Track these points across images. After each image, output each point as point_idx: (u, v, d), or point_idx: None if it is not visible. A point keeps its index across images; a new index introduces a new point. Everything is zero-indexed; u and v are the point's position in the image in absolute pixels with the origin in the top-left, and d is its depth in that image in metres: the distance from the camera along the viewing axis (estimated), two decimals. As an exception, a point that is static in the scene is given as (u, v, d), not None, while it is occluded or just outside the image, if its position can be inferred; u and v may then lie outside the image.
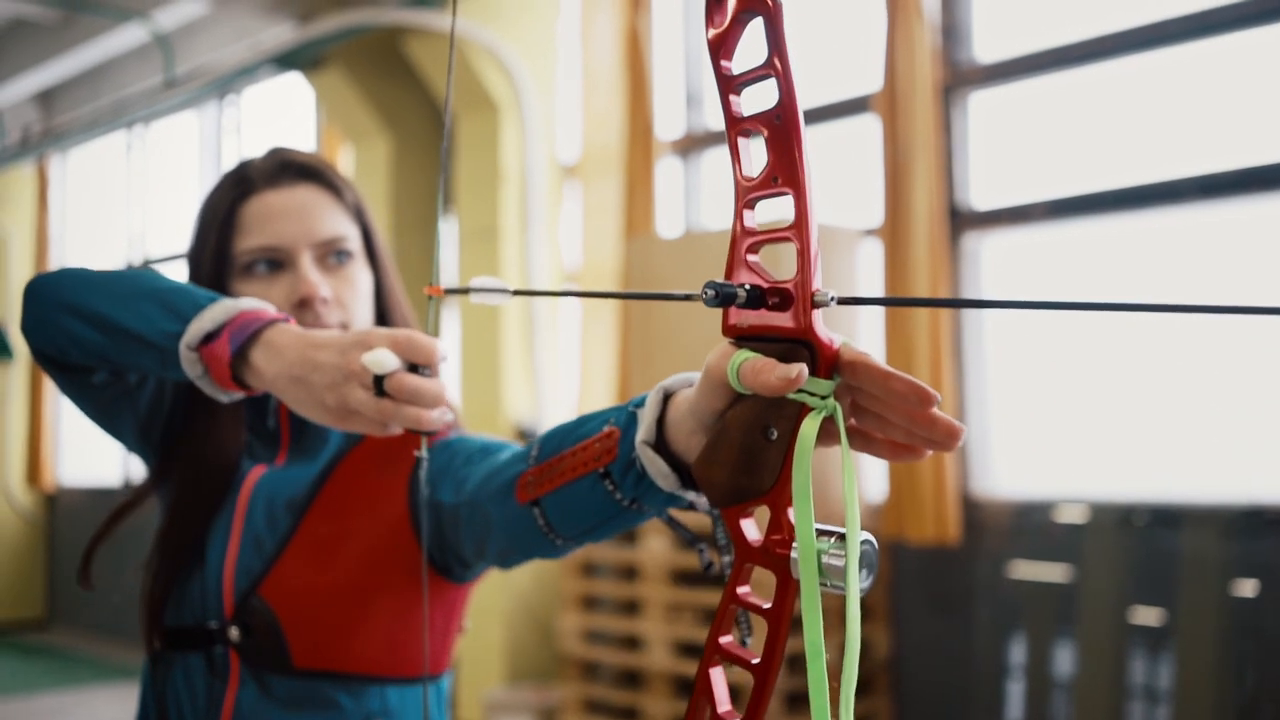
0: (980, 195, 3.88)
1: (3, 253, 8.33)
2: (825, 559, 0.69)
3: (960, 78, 3.88)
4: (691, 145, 4.67)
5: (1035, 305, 0.67)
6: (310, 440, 1.32)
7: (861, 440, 0.74)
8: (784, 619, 0.73)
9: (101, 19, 6.69)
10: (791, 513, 0.72)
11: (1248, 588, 3.09)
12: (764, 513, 0.75)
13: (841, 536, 0.69)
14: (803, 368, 0.70)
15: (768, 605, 0.73)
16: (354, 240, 1.35)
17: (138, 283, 1.12)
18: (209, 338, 1.05)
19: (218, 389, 1.08)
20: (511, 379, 4.66)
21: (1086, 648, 3.29)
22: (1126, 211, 3.57)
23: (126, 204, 7.76)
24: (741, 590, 0.75)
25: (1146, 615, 3.23)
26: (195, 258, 1.33)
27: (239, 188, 1.33)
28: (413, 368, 1.01)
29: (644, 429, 0.87)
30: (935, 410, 0.68)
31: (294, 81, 5.97)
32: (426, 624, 1.22)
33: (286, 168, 1.35)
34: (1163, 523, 3.28)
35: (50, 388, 7.92)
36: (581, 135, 4.76)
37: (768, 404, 0.73)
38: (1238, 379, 3.38)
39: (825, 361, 0.71)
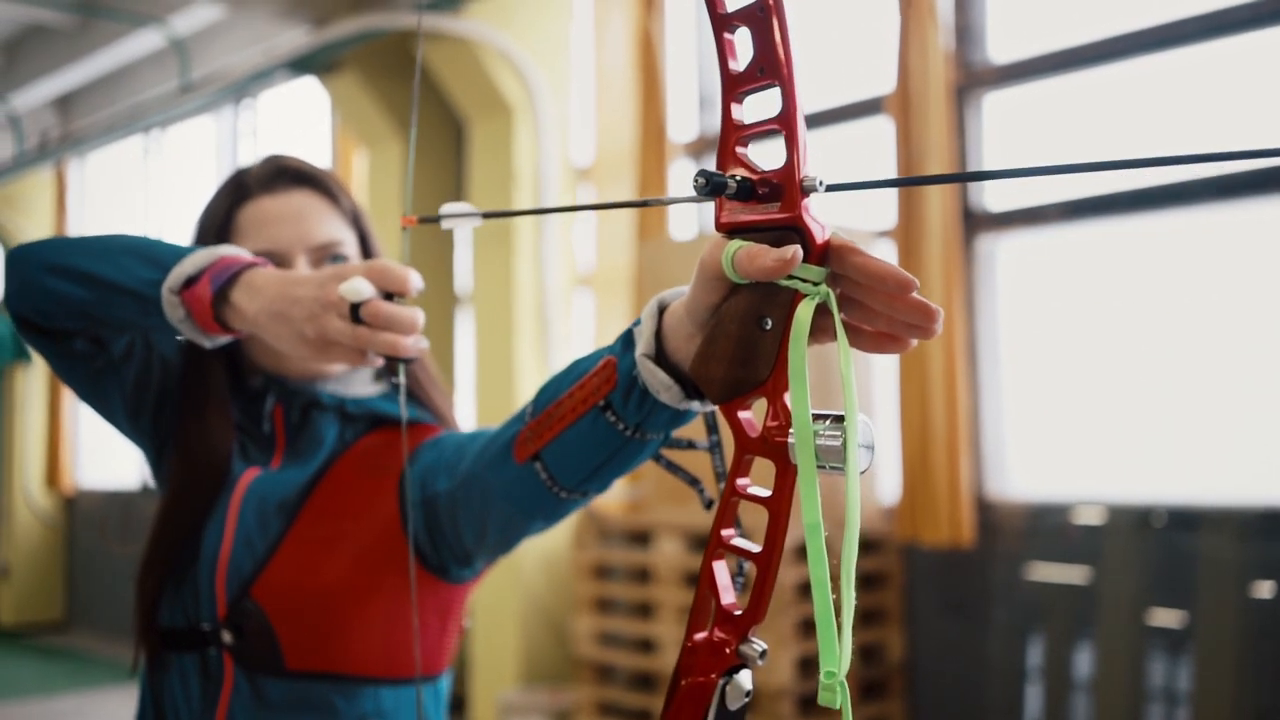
0: (994, 197, 3.86)
1: (21, 257, 8.38)
2: (821, 440, 0.70)
3: (974, 79, 3.87)
4: (705, 147, 4.67)
5: (1038, 172, 0.71)
6: (304, 443, 1.32)
7: (849, 334, 0.76)
8: (784, 507, 0.73)
9: (118, 24, 6.73)
10: (788, 398, 0.73)
11: (1267, 589, 3.07)
12: (762, 407, 0.75)
13: (838, 419, 0.70)
14: (797, 249, 0.71)
15: (768, 494, 0.74)
16: (350, 245, 1.36)
17: (118, 240, 1.17)
18: (190, 282, 1.09)
19: (200, 332, 1.11)
20: (525, 382, 4.67)
21: (1105, 650, 3.28)
22: (1141, 212, 3.55)
23: (144, 208, 7.80)
24: (741, 482, 0.76)
25: (1165, 617, 3.22)
26: None
27: (236, 194, 1.35)
28: (388, 297, 1.05)
29: (643, 342, 0.87)
30: (914, 294, 0.70)
31: (309, 86, 5.99)
32: (417, 625, 1.21)
33: (282, 174, 1.35)
34: (1181, 525, 3.26)
35: (69, 391, 7.96)
36: (595, 138, 4.76)
37: (762, 294, 0.74)
38: (1257, 380, 3.36)
39: (816, 248, 0.73)
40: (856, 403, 0.70)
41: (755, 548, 0.74)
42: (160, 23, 6.51)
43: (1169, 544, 3.27)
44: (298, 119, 6.68)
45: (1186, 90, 3.52)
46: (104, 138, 7.21)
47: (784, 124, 0.73)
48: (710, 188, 0.73)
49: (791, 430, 0.71)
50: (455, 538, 1.21)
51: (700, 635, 0.76)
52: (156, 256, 1.12)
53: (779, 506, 0.73)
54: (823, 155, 4.12)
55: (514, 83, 4.71)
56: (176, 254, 1.12)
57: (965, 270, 3.81)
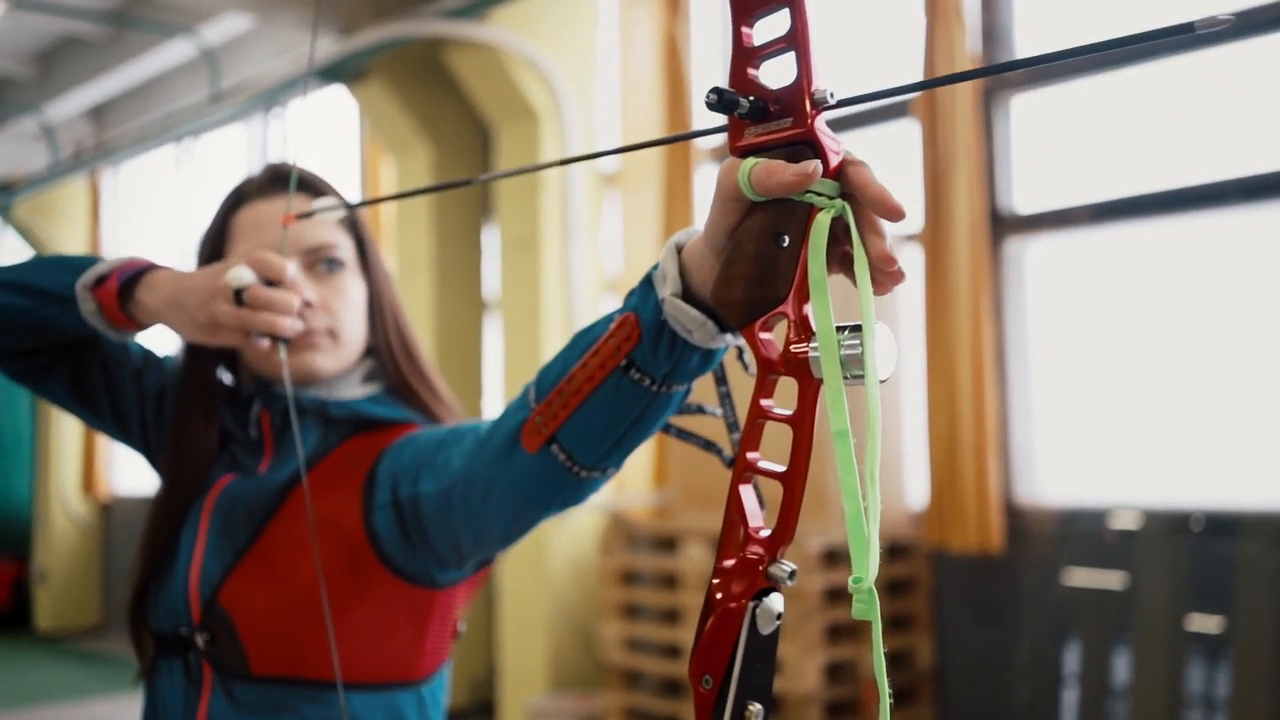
0: (1023, 199, 3.83)
1: (57, 266, 8.47)
2: (842, 350, 0.70)
3: (1001, 81, 3.84)
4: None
5: (1053, 58, 0.71)
6: (287, 448, 1.33)
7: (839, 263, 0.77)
8: (807, 423, 0.73)
9: (150, 35, 6.79)
10: (809, 310, 0.73)
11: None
12: (783, 329, 0.76)
13: (856, 328, 0.70)
14: (817, 163, 0.72)
15: (791, 413, 0.74)
16: (345, 250, 1.36)
17: (49, 258, 1.32)
18: (101, 280, 1.24)
19: (109, 325, 1.25)
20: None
21: (1143, 656, 3.24)
22: (1171, 215, 3.51)
23: (177, 216, 7.87)
24: (765, 402, 0.76)
25: (1204, 623, 3.18)
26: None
27: (233, 200, 1.38)
28: (270, 284, 1.18)
29: (670, 283, 0.86)
30: (888, 246, 0.72)
31: (338, 94, 6.03)
32: (331, 628, 1.20)
33: (277, 179, 1.37)
34: (1219, 529, 3.22)
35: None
36: (620, 143, 4.76)
37: (778, 211, 0.75)
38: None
39: (829, 162, 0.73)
40: (873, 309, 0.70)
41: (781, 468, 0.74)
42: (191, 33, 6.57)
43: (1207, 549, 3.23)
44: (328, 127, 6.72)
45: (1216, 91, 3.48)
46: (137, 147, 7.28)
47: (793, 41, 0.74)
48: (723, 104, 0.74)
49: (812, 342, 0.72)
50: (444, 539, 1.19)
51: (729, 561, 0.75)
52: (76, 265, 1.27)
53: (803, 422, 0.73)
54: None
55: (540, 89, 4.72)
56: (93, 260, 1.27)
57: (993, 273, 3.78)
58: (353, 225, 1.38)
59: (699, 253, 0.84)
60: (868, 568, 0.67)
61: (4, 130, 8.87)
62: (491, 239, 5.34)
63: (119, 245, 8.50)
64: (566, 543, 4.62)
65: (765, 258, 0.75)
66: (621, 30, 4.76)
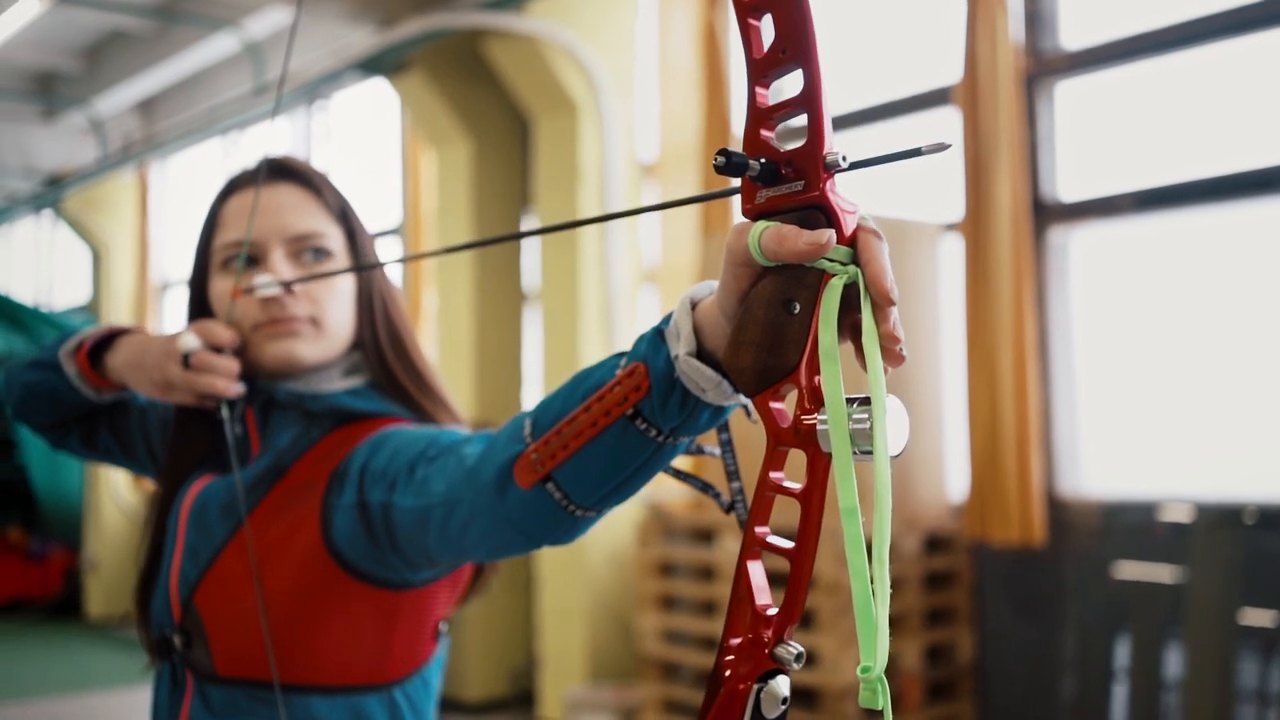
0: (1066, 187, 3.77)
1: (106, 259, 8.59)
2: (851, 424, 0.68)
3: (1045, 66, 3.78)
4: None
5: None
6: (267, 444, 1.32)
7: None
8: (815, 499, 0.71)
9: (195, 29, 6.86)
10: (820, 381, 0.72)
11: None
12: (794, 398, 0.74)
13: (866, 401, 0.68)
14: (830, 233, 0.70)
15: (800, 487, 0.72)
16: (334, 240, 1.35)
17: (65, 334, 1.47)
18: (80, 347, 1.39)
19: (87, 384, 1.41)
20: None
21: (1195, 650, 3.18)
22: (1219, 202, 3.44)
23: (223, 209, 7.93)
24: (775, 475, 0.74)
25: (1257, 617, 3.12)
26: (195, 258, 1.42)
27: (225, 190, 1.40)
28: (217, 350, 1.29)
29: (684, 342, 0.83)
30: (892, 327, 0.70)
31: (380, 87, 6.05)
32: (267, 629, 1.20)
33: (268, 168, 1.37)
34: (1272, 523, 3.16)
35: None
36: (660, 134, 4.74)
37: (789, 277, 0.73)
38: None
39: (841, 227, 0.71)
40: (884, 384, 0.68)
41: (790, 544, 0.72)
42: (235, 27, 6.62)
43: (1260, 542, 3.16)
44: (370, 120, 6.76)
45: (1264, 76, 3.40)
46: (184, 140, 7.36)
47: (807, 103, 0.72)
48: (731, 167, 0.72)
49: (821, 414, 0.70)
50: (416, 549, 1.16)
51: (736, 640, 0.74)
52: (68, 333, 1.44)
53: (812, 497, 0.71)
54: (886, 149, 4.05)
55: (578, 79, 4.71)
56: (78, 329, 1.43)
57: (1036, 263, 3.72)
58: (343, 215, 1.37)
59: (712, 315, 0.81)
60: (876, 655, 0.65)
61: (54, 125, 9.01)
62: (530, 228, 5.34)
63: (167, 238, 8.61)
64: (605, 534, 4.61)
65: (776, 325, 0.73)
66: (661, 20, 4.73)
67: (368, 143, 6.78)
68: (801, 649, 0.71)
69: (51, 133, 9.09)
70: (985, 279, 3.62)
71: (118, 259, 8.59)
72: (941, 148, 0.69)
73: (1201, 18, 3.44)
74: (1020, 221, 3.61)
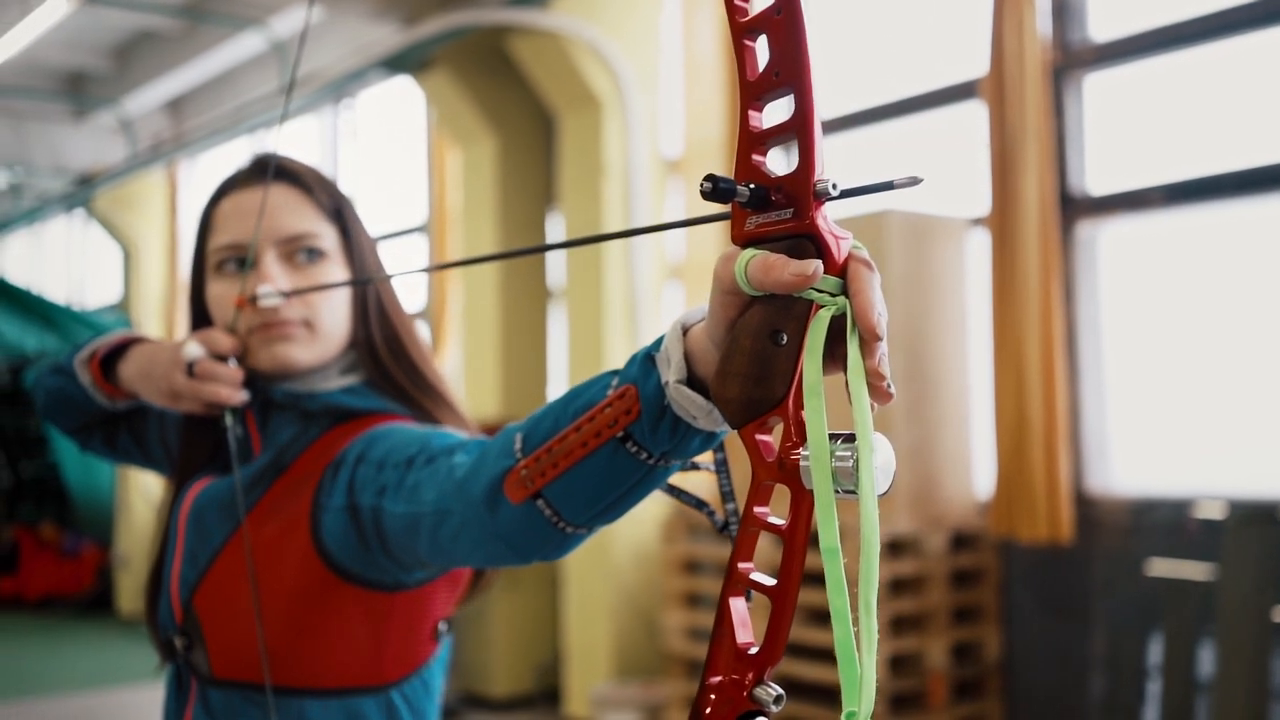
0: (1095, 181, 3.73)
1: (136, 258, 8.66)
2: (834, 463, 0.66)
3: (1073, 59, 3.74)
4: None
5: None
6: (266, 444, 1.32)
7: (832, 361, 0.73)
8: (798, 536, 0.69)
9: (222, 28, 6.89)
10: (805, 415, 0.69)
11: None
12: (780, 432, 0.72)
13: (851, 438, 0.66)
14: (818, 264, 0.68)
15: (784, 523, 0.70)
16: (328, 239, 1.34)
17: (71, 349, 1.49)
18: (93, 356, 1.42)
19: (100, 392, 1.43)
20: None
21: (1228, 648, 3.14)
22: (1249, 195, 3.39)
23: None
24: (759, 510, 0.72)
25: (1291, 615, 3.08)
26: (192, 263, 1.42)
27: (217, 191, 1.38)
28: (220, 357, 1.30)
29: (674, 369, 0.81)
30: (878, 362, 0.68)
31: (405, 84, 6.07)
32: (261, 631, 1.19)
33: (260, 169, 1.36)
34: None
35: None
36: (684, 130, 4.73)
37: (777, 307, 0.71)
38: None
39: (831, 258, 0.69)
40: (870, 420, 0.65)
41: (772, 581, 0.70)
42: (261, 26, 6.65)
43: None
44: (396, 117, 6.77)
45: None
46: (212, 139, 7.40)
47: (798, 127, 0.70)
48: (718, 194, 0.70)
49: (804, 450, 0.68)
50: (407, 553, 1.15)
51: (716, 679, 0.72)
52: (81, 343, 1.46)
53: (795, 535, 0.69)
54: (911, 143, 4.03)
55: (603, 76, 4.70)
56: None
57: (1064, 258, 3.69)
58: (338, 214, 1.35)
59: (702, 342, 0.79)
60: (860, 701, 0.64)
61: (84, 124, 9.08)
62: (556, 227, 5.34)
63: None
64: (630, 531, 4.61)
65: (762, 356, 0.71)
66: (684, 16, 4.72)
67: (393, 140, 6.80)
68: (780, 691, 0.70)
69: (81, 132, 9.17)
70: (1012, 274, 3.58)
71: (148, 258, 8.65)
72: (914, 182, 0.67)
73: (1231, 8, 3.39)
74: (1048, 216, 3.57)
